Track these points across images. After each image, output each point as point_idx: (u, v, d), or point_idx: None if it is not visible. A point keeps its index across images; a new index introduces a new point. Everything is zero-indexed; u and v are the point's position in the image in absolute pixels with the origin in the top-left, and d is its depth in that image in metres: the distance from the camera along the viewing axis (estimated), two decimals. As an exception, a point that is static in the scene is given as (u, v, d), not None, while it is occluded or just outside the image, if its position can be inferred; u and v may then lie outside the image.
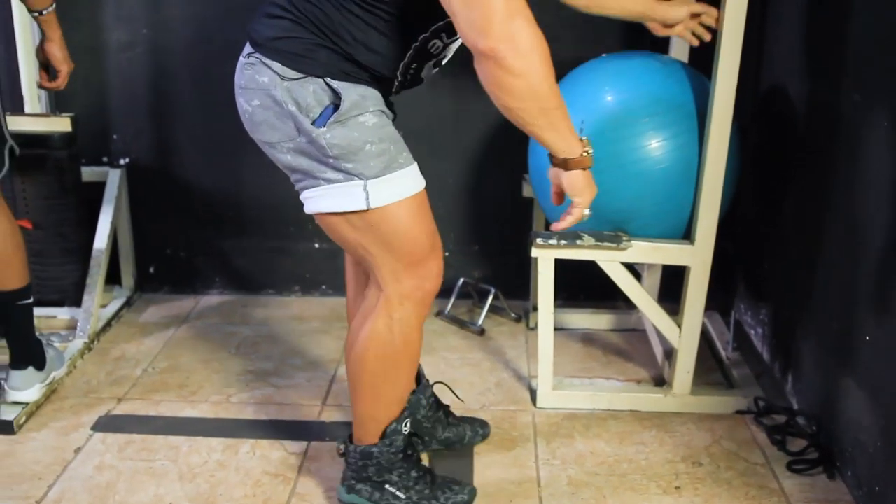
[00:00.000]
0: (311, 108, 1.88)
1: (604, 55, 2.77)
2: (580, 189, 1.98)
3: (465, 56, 3.16)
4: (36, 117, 3.12)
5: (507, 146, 3.34)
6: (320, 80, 1.88)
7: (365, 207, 1.94)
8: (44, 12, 2.56)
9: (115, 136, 3.48)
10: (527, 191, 3.17)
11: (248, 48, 1.97)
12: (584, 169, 1.95)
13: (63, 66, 2.67)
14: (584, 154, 1.94)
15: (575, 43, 3.24)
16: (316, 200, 1.98)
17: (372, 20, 1.86)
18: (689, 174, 2.53)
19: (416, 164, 2.03)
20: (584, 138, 1.96)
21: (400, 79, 1.99)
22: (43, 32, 2.62)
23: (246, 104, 1.96)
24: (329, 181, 1.93)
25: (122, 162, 3.48)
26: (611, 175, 2.49)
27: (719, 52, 2.43)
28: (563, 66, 2.86)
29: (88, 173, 3.36)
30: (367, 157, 1.90)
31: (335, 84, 1.88)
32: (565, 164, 1.94)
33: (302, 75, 1.88)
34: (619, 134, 2.50)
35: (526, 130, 1.88)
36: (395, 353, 2.10)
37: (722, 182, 2.52)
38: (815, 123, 2.55)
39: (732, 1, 2.38)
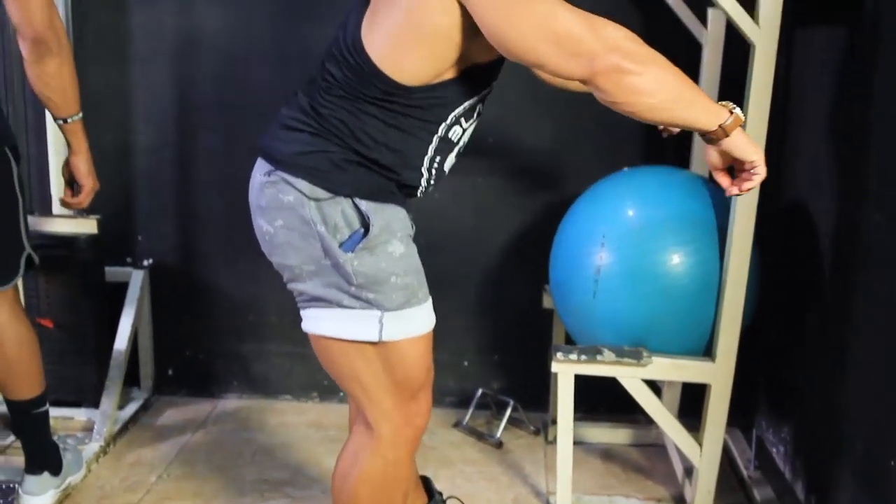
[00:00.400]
0: (339, 229, 1.84)
1: (625, 169, 2.79)
2: (750, 147, 1.82)
3: (486, 165, 3.20)
4: (63, 219, 3.16)
5: (528, 257, 3.35)
6: (349, 200, 1.84)
7: (376, 340, 1.90)
8: (68, 120, 2.47)
9: (139, 238, 3.51)
10: (547, 302, 3.16)
11: (265, 165, 1.91)
12: (739, 123, 1.79)
13: (87, 180, 2.57)
14: (733, 112, 1.79)
15: (596, 156, 3.27)
16: (321, 322, 1.92)
17: (391, 118, 1.84)
18: (711, 290, 2.52)
19: (430, 299, 2.00)
20: (722, 103, 1.82)
21: (426, 175, 1.96)
22: (69, 144, 2.53)
23: (267, 225, 1.90)
24: (343, 307, 1.88)
25: (145, 263, 3.51)
26: (632, 291, 2.48)
27: (741, 169, 2.44)
28: (583, 180, 2.90)
29: (112, 273, 3.38)
30: (390, 290, 1.87)
31: (364, 205, 1.85)
32: (724, 132, 1.78)
33: (331, 195, 1.84)
34: (641, 249, 2.50)
35: (674, 123, 1.78)
36: (389, 493, 2.05)
37: (743, 299, 2.50)
38: (837, 241, 2.54)
39: (753, 116, 2.40)
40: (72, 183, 2.60)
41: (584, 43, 1.68)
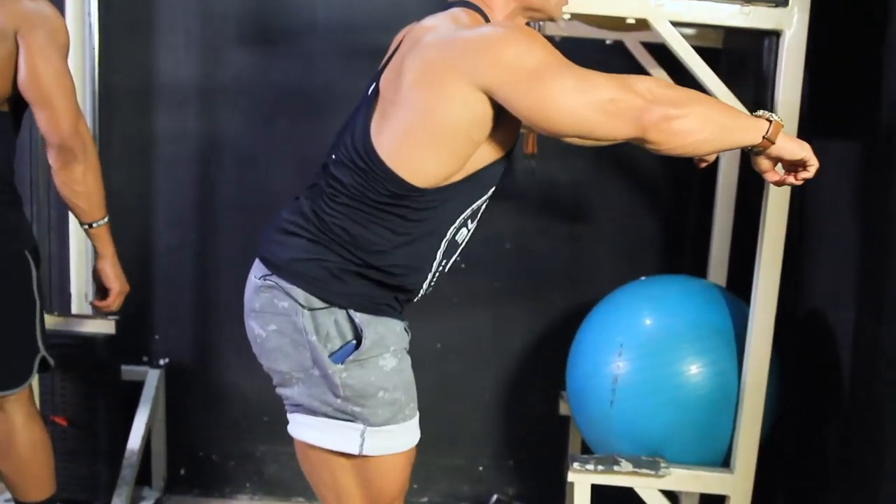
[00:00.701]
0: (331, 339, 1.83)
1: (642, 278, 2.79)
2: (797, 147, 1.87)
3: (504, 270, 3.21)
4: (81, 319, 3.18)
5: (545, 362, 3.34)
6: (343, 311, 1.83)
7: (356, 453, 1.88)
8: (94, 225, 2.49)
9: (156, 337, 3.52)
10: (563, 409, 3.13)
11: (261, 269, 1.91)
12: (780, 128, 1.85)
13: (114, 284, 2.57)
14: (770, 120, 1.84)
15: (613, 265, 3.28)
16: (304, 429, 1.91)
17: (399, 225, 1.83)
18: (729, 401, 2.50)
19: (418, 415, 1.97)
20: (757, 114, 1.87)
21: (430, 279, 1.95)
22: (94, 248, 2.55)
23: (259, 329, 1.89)
24: (328, 416, 1.87)
25: (161, 362, 3.51)
26: (649, 400, 2.46)
27: (758, 277, 2.44)
28: (601, 287, 2.90)
29: (128, 372, 3.39)
30: (377, 405, 1.85)
31: (358, 317, 1.83)
32: (770, 141, 1.83)
33: (326, 305, 1.83)
34: (659, 359, 2.49)
35: (723, 149, 1.86)
36: None
37: (761, 410, 2.48)
38: (857, 354, 2.52)
39: (770, 225, 2.40)
40: (101, 286, 2.60)
41: (626, 102, 1.71)
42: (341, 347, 1.83)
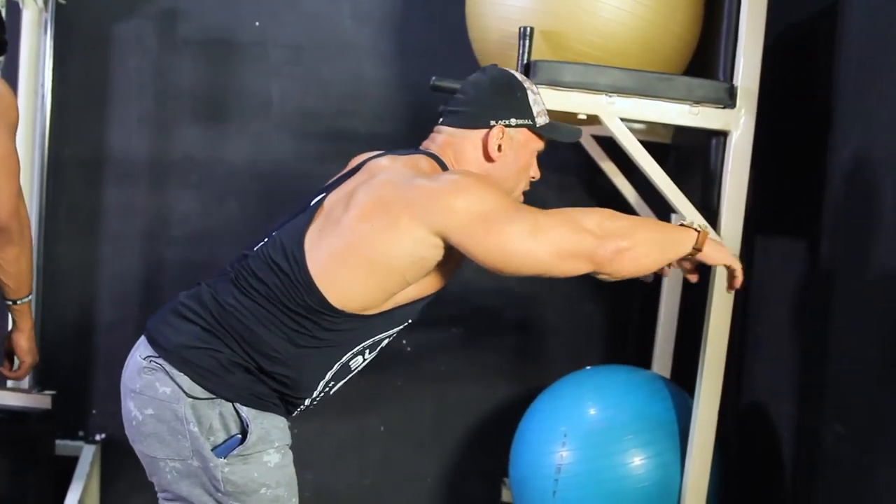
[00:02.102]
0: (214, 432, 1.79)
1: (587, 368, 2.81)
2: (723, 253, 2.04)
3: (448, 354, 3.21)
4: (16, 393, 3.11)
5: (489, 448, 3.32)
6: (230, 404, 1.80)
7: None
8: (18, 302, 2.43)
9: (93, 412, 3.45)
10: (506, 496, 3.11)
11: (147, 348, 1.84)
12: (706, 237, 1.99)
13: (27, 357, 2.50)
14: (697, 229, 1.99)
15: (558, 354, 3.30)
16: None
17: (300, 338, 1.82)
18: (672, 493, 2.50)
19: None
20: (683, 224, 2.04)
21: (314, 396, 1.92)
22: (14, 322, 2.48)
23: (136, 411, 1.82)
24: None
25: (97, 438, 3.44)
26: (592, 491, 2.46)
27: (702, 372, 2.46)
28: (546, 376, 2.91)
29: (62, 447, 3.30)
30: (258, 501, 1.81)
31: (244, 412, 1.80)
32: (699, 249, 1.98)
33: (212, 396, 1.79)
34: (603, 450, 2.49)
35: (663, 265, 1.97)
36: None
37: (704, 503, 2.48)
38: (798, 448, 2.55)
39: (715, 321, 2.44)
40: (11, 356, 2.54)
41: (579, 243, 1.81)
42: (225, 441, 1.79)
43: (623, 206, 3.03)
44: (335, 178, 2.00)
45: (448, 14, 2.81)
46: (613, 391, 2.62)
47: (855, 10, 2.37)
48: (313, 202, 1.92)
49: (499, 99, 1.99)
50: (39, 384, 3.30)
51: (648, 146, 2.43)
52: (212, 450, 1.78)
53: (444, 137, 2.00)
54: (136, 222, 3.39)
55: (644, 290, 3.27)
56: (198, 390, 1.78)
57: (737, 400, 3.00)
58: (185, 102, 3.39)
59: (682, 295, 3.02)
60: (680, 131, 2.84)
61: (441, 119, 2.04)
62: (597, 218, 1.85)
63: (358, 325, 1.85)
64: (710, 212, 2.44)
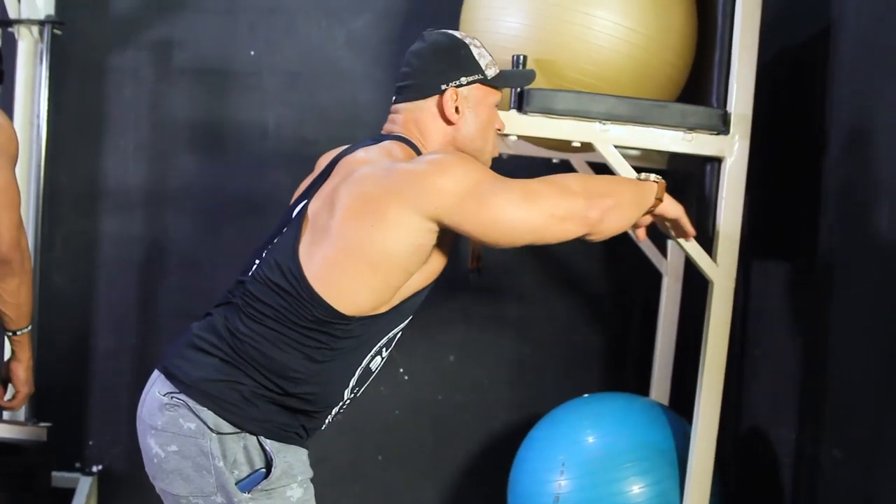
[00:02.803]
0: (238, 466, 1.76)
1: (585, 395, 2.80)
2: (675, 207, 2.07)
3: (447, 383, 3.20)
4: (11, 425, 3.10)
5: (487, 476, 3.31)
6: (254, 438, 1.77)
7: None
8: (17, 333, 2.43)
9: (90, 443, 3.44)
10: (505, 524, 3.09)
11: (166, 385, 1.81)
12: (664, 187, 2.03)
13: (24, 388, 2.49)
14: (655, 180, 2.03)
15: (556, 381, 3.29)
16: None
17: (317, 353, 1.79)
18: (671, 521, 2.49)
19: None
20: (640, 177, 2.06)
21: (340, 406, 1.91)
22: (13, 352, 2.47)
23: (158, 448, 1.79)
24: None
25: (94, 469, 3.42)
26: (590, 520, 2.45)
27: (699, 399, 2.45)
28: (544, 403, 2.90)
29: (59, 479, 3.29)
30: None
31: (269, 445, 1.78)
32: (660, 199, 2.02)
33: (236, 430, 1.76)
34: (601, 478, 2.48)
35: (637, 219, 2.01)
36: None
37: (704, 532, 2.47)
38: (798, 473, 2.54)
39: (712, 347, 2.43)
40: (5, 383, 2.52)
41: (570, 205, 1.82)
42: (249, 475, 1.77)
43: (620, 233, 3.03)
44: (308, 184, 1.97)
45: (442, 41, 2.83)
46: (611, 419, 2.61)
47: (847, 33, 2.38)
48: (295, 213, 1.89)
49: (443, 62, 1.98)
50: (35, 416, 3.30)
51: (644, 172, 2.43)
52: (235, 484, 1.75)
53: (403, 115, 1.99)
54: (133, 250, 3.40)
55: (642, 315, 3.28)
56: (222, 424, 1.76)
57: (736, 425, 2.99)
58: (182, 131, 3.40)
59: (679, 321, 3.02)
60: (675, 158, 2.84)
61: (394, 98, 2.03)
62: (577, 180, 1.88)
63: (371, 327, 1.83)
64: (706, 237, 2.43)
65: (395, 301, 1.84)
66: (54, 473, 3.26)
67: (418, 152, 1.93)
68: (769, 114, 2.61)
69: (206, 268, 3.37)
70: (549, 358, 3.34)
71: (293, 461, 1.82)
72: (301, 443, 1.87)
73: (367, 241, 1.75)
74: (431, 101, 1.97)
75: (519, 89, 2.30)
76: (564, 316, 3.36)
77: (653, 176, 2.04)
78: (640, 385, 3.13)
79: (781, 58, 2.70)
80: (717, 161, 2.41)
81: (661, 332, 3.04)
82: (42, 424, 3.10)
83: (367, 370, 1.91)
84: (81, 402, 3.43)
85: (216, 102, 3.39)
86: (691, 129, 2.37)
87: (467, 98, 1.97)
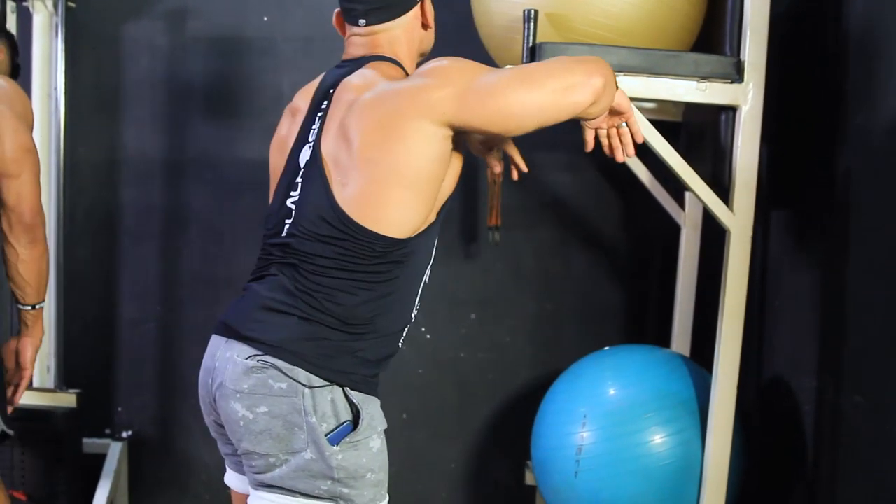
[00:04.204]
0: (326, 419, 1.78)
1: (606, 348, 2.82)
2: (627, 100, 1.97)
3: (468, 341, 3.22)
4: (42, 392, 3.15)
5: (511, 432, 3.34)
6: (341, 390, 1.80)
7: None
8: (36, 307, 2.43)
9: (119, 409, 3.49)
10: (529, 479, 3.12)
11: (246, 349, 1.82)
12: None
13: (31, 367, 2.47)
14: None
15: (577, 336, 3.30)
16: None
17: (390, 285, 1.83)
18: (694, 470, 2.51)
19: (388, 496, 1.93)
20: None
21: (412, 320, 1.96)
22: (25, 328, 2.44)
23: (246, 411, 1.80)
24: (313, 497, 1.80)
25: (124, 435, 3.47)
26: (614, 470, 2.47)
27: (719, 347, 2.47)
28: (565, 357, 2.92)
29: (89, 445, 3.34)
30: (364, 486, 1.81)
31: (355, 397, 1.81)
32: (616, 85, 1.94)
33: (326, 383, 1.78)
34: (623, 430, 2.50)
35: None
36: None
37: (725, 478, 2.49)
38: (819, 420, 2.55)
39: (731, 296, 2.44)
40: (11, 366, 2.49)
41: (570, 73, 1.82)
42: (336, 428, 1.79)
43: (637, 185, 3.03)
44: (299, 126, 1.97)
45: (453, 3, 2.81)
46: (632, 370, 2.63)
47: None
48: (306, 161, 1.90)
49: None
50: (65, 383, 3.35)
51: (659, 125, 2.42)
52: (325, 436, 1.78)
53: (377, 36, 1.98)
54: (154, 220, 3.43)
55: (661, 268, 3.28)
56: (314, 379, 1.78)
57: (758, 374, 3.00)
58: (197, 99, 3.41)
59: (698, 272, 3.02)
60: (690, 109, 2.84)
61: (362, 21, 1.98)
62: (566, 57, 1.94)
63: (426, 240, 1.87)
64: (722, 188, 2.44)
65: (437, 208, 1.88)
66: (84, 440, 3.31)
67: (403, 68, 1.96)
68: (784, 63, 2.59)
69: (227, 235, 3.40)
70: (570, 313, 3.35)
71: (374, 412, 1.85)
72: (377, 393, 1.90)
73: (395, 164, 1.78)
74: (413, 14, 1.99)
75: (531, 43, 2.30)
76: (583, 271, 3.37)
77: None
78: (660, 337, 3.14)
79: (795, 4, 2.68)
80: (731, 110, 2.41)
81: (681, 284, 3.04)
82: (71, 391, 3.14)
83: (425, 283, 1.96)
84: (109, 369, 3.47)
85: (231, 69, 3.40)
86: (705, 78, 2.37)
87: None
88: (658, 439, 2.49)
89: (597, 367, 2.70)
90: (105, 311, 3.46)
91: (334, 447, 1.78)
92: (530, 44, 2.31)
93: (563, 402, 2.68)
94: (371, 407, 1.85)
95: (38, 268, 2.39)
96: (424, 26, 2.01)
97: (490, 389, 3.41)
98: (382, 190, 1.79)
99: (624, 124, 2.01)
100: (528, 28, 2.30)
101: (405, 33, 1.99)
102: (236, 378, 1.82)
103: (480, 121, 1.80)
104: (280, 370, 1.78)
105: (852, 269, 2.36)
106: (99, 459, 3.34)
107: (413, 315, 1.95)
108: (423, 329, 3.34)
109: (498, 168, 2.27)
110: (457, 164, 1.89)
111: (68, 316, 3.28)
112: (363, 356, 1.85)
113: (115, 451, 3.36)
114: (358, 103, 1.84)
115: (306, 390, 1.77)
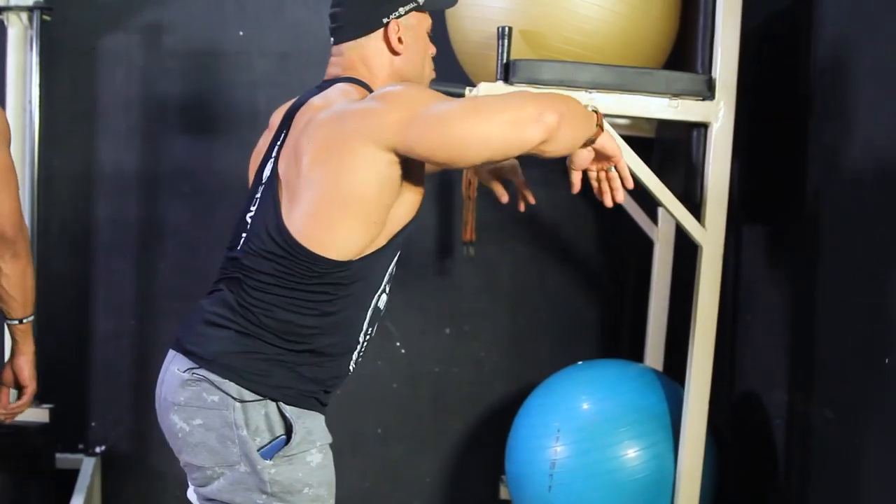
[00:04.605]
0: (260, 433, 1.79)
1: (580, 362, 2.83)
2: (614, 143, 1.96)
3: (443, 354, 3.22)
4: (14, 407, 3.12)
5: (485, 446, 3.34)
6: (274, 404, 1.80)
7: None
8: (24, 321, 2.37)
9: (93, 424, 3.47)
10: (504, 493, 3.13)
11: (185, 362, 1.84)
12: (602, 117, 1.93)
13: (32, 383, 2.41)
14: (595, 109, 1.92)
15: (552, 350, 3.32)
16: None
17: (329, 306, 1.82)
18: (666, 484, 2.52)
19: None
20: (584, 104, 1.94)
21: (358, 352, 1.94)
22: (16, 345, 2.39)
23: (183, 423, 1.82)
24: None
25: (97, 450, 3.45)
26: (587, 484, 2.48)
27: (691, 360, 2.49)
28: (539, 371, 2.93)
29: (63, 461, 3.32)
30: (301, 501, 1.81)
31: (289, 411, 1.81)
32: (601, 128, 1.91)
33: (258, 398, 1.79)
34: (596, 444, 2.52)
35: (583, 142, 1.89)
36: None
37: (698, 492, 2.51)
38: (790, 434, 2.57)
39: (702, 311, 2.46)
40: (11, 386, 2.42)
41: (522, 109, 1.78)
42: (270, 442, 1.80)
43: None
44: (269, 142, 1.98)
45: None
46: (605, 385, 2.65)
47: (829, -1, 2.40)
48: (265, 177, 1.91)
49: None
50: (38, 398, 3.32)
51: (633, 141, 2.45)
52: (257, 451, 1.78)
53: (347, 56, 1.99)
54: (129, 233, 3.42)
55: (635, 283, 3.30)
56: (245, 394, 1.79)
57: (730, 388, 3.02)
58: (174, 113, 3.41)
59: (671, 287, 3.04)
60: (663, 125, 2.86)
61: (332, 39, 2.03)
62: (526, 92, 1.90)
63: (371, 265, 1.86)
64: (694, 203, 2.46)
65: (388, 233, 1.86)
66: (58, 455, 3.29)
67: (370, 90, 1.93)
68: (754, 80, 2.63)
69: (202, 249, 3.39)
70: (544, 328, 3.37)
71: (312, 427, 1.85)
72: (320, 409, 1.89)
73: (336, 184, 1.77)
74: (376, 37, 1.97)
75: (504, 60, 2.32)
76: (558, 286, 3.39)
77: (592, 104, 1.97)
78: (634, 351, 3.16)
79: (766, 22, 2.72)
80: (703, 127, 2.44)
81: (654, 299, 3.07)
82: (44, 406, 3.12)
83: (377, 309, 1.94)
84: (83, 384, 3.45)
85: (207, 84, 3.40)
86: (677, 95, 2.39)
87: (407, 27, 1.99)
88: (631, 453, 2.51)
89: (571, 381, 2.72)
90: (79, 325, 3.44)
91: (267, 461, 1.79)
92: (504, 60, 2.33)
93: (537, 416, 2.69)
94: (309, 421, 1.85)
95: (22, 282, 2.37)
96: (392, 51, 1.98)
97: (465, 404, 3.42)
98: (324, 210, 1.79)
99: (613, 168, 2.00)
100: (502, 45, 2.32)
101: (374, 55, 1.98)
102: (174, 390, 1.84)
103: (424, 148, 1.77)
104: (212, 383, 1.80)
105: (822, 283, 2.38)
106: (72, 475, 3.31)
107: (361, 340, 1.93)
108: (398, 344, 3.35)
109: (504, 199, 2.24)
110: (411, 194, 1.88)
111: (42, 330, 3.26)
112: (301, 372, 1.84)
113: (88, 467, 3.33)
114: (312, 122, 1.84)
115: (237, 404, 1.78)
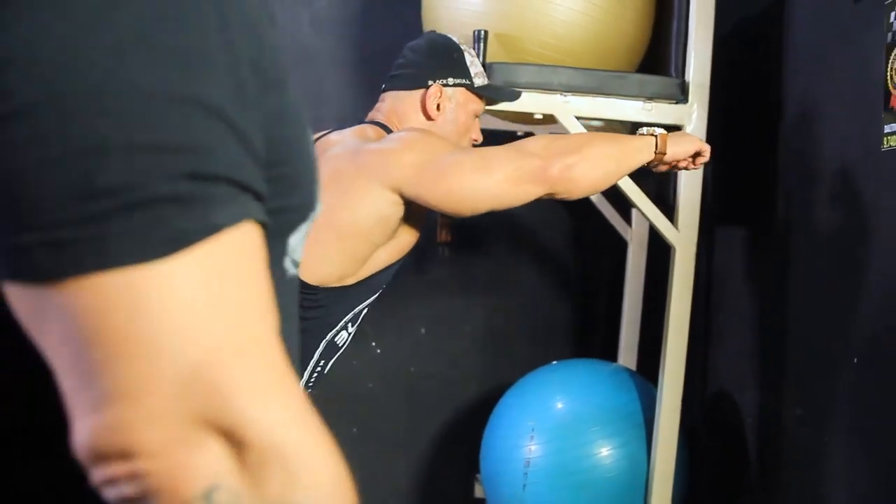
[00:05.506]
0: None
1: (554, 362, 2.85)
2: (689, 145, 2.00)
3: (417, 354, 3.23)
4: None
5: (461, 446, 3.35)
6: None
7: None
8: None
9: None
10: (479, 492, 3.15)
11: None
12: (666, 139, 1.96)
13: None
14: (652, 134, 1.97)
15: (526, 350, 3.34)
16: None
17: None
18: (639, 483, 2.54)
19: None
20: (641, 133, 1.99)
21: (306, 379, 1.93)
22: None
23: None
24: None
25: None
26: (561, 483, 2.50)
27: (664, 360, 2.51)
28: (514, 373, 2.95)
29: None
30: None
31: None
32: (662, 153, 1.95)
33: None
34: (569, 442, 2.54)
35: (622, 175, 1.99)
36: None
37: (670, 491, 2.53)
38: (761, 433, 2.61)
39: (675, 311, 2.49)
40: None
41: (526, 166, 1.80)
42: None
43: (585, 202, 3.08)
44: None
45: (405, 17, 2.85)
46: (579, 384, 2.67)
47: (801, 5, 2.43)
48: None
49: (435, 59, 2.03)
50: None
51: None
52: None
53: (388, 104, 2.04)
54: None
55: (609, 284, 3.33)
56: None
57: (703, 389, 3.06)
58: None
59: (645, 288, 3.07)
60: (637, 128, 2.89)
61: (384, 86, 2.08)
62: (543, 141, 1.87)
63: (338, 299, 1.86)
64: (667, 205, 2.49)
65: (363, 274, 1.88)
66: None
67: (389, 133, 1.97)
68: (727, 84, 2.66)
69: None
70: (520, 327, 3.38)
71: None
72: None
73: (332, 211, 1.78)
74: (416, 94, 2.02)
75: (481, 62, 2.34)
76: (532, 286, 3.41)
77: (658, 130, 1.99)
78: (607, 351, 3.18)
79: (739, 26, 2.75)
80: (676, 129, 2.47)
81: (628, 299, 3.09)
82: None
83: (333, 344, 1.94)
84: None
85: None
86: (650, 98, 2.42)
87: (450, 98, 2.02)
88: (604, 452, 2.53)
89: (545, 380, 2.74)
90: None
91: None
92: (481, 62, 2.35)
93: (511, 415, 2.71)
94: None
95: None
96: (425, 113, 2.01)
97: (440, 403, 3.43)
98: (313, 232, 1.79)
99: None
100: (478, 48, 2.34)
101: (408, 110, 2.01)
102: None
103: (430, 197, 1.81)
104: None
105: (793, 284, 2.42)
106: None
107: (309, 371, 1.93)
108: (374, 344, 3.36)
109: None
110: (404, 240, 1.90)
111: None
112: None
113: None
114: (325, 155, 1.87)
115: None
